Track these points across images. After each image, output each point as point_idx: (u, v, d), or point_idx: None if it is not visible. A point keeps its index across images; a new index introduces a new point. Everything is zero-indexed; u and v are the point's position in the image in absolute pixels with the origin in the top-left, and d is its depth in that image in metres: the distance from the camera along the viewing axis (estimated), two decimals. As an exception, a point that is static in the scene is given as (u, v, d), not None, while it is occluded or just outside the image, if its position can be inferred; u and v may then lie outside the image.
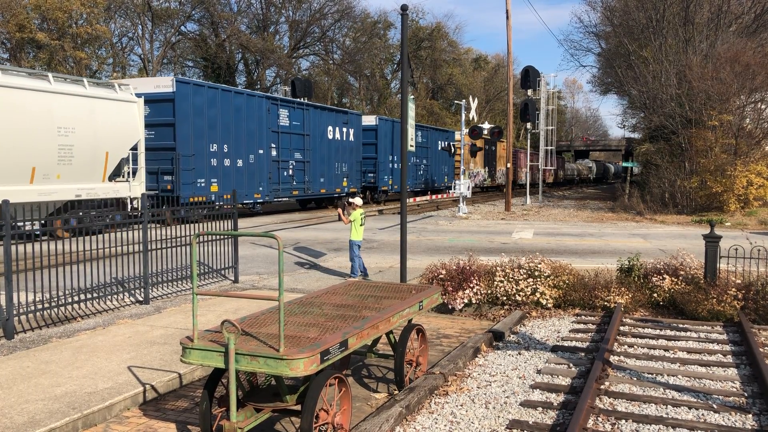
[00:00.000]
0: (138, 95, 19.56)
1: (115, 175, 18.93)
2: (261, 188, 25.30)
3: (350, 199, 12.31)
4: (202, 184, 22.21)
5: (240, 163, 24.22)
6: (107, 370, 6.43)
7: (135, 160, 19.35)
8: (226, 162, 23.50)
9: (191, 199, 21.12)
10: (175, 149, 21.23)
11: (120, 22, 46.22)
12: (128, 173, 19.13)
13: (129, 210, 18.31)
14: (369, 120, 35.79)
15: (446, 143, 42.72)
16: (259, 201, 25.52)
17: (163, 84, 21.66)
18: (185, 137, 21.60)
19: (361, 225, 11.89)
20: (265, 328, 5.19)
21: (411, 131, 12.39)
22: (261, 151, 25.43)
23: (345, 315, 5.71)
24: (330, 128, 30.59)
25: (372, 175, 35.27)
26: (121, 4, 43.25)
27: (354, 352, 6.41)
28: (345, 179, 32.03)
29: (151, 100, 21.03)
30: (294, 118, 27.80)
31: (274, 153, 26.33)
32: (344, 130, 31.98)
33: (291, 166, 27.52)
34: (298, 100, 29.93)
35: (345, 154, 32.07)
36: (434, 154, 42.57)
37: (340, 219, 12.40)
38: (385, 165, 36.21)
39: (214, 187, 22.72)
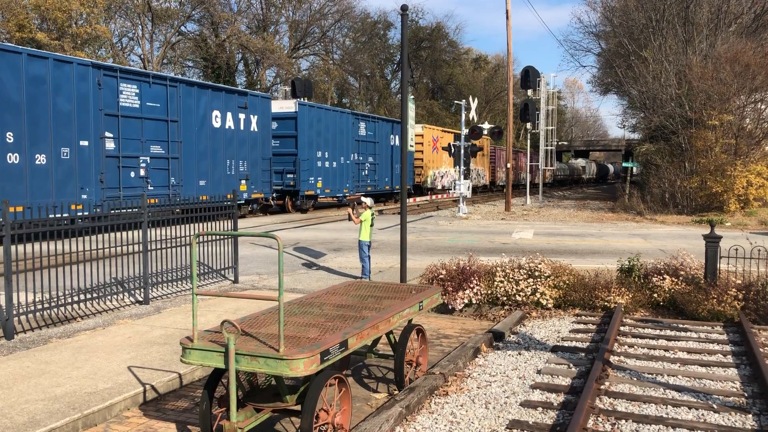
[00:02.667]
0: None
1: None
2: (85, 195, 17.98)
3: (361, 199, 12.25)
4: None
5: (42, 159, 16.83)
6: (107, 370, 6.42)
7: None
8: (12, 158, 16.08)
9: None
10: None
11: (120, 22, 46.23)
12: None
13: None
14: (285, 105, 28.52)
15: (395, 137, 37.24)
16: (82, 214, 15.00)
17: None
18: None
19: (371, 225, 11.83)
20: (265, 328, 5.18)
21: (411, 131, 12.37)
22: (84, 143, 18.07)
23: (345, 315, 5.71)
24: (217, 113, 23.04)
25: (291, 176, 28.03)
26: (121, 4, 43.24)
27: (354, 352, 6.40)
28: (243, 181, 24.43)
29: None
30: (150, 98, 20.25)
31: (110, 146, 18.83)
32: (242, 116, 24.36)
33: (143, 165, 19.94)
34: (158, 72, 23.15)
35: (244, 148, 24.55)
36: (386, 152, 35.78)
37: (350, 219, 12.26)
38: (311, 163, 28.71)
39: None
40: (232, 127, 23.93)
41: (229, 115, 23.76)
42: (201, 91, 22.53)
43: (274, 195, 27.39)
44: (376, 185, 34.74)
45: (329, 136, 30.14)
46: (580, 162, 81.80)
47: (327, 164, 30.05)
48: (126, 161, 19.46)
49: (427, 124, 42.73)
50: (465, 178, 27.04)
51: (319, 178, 29.41)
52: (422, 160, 39.95)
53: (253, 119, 25.18)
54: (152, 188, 20.18)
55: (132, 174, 19.73)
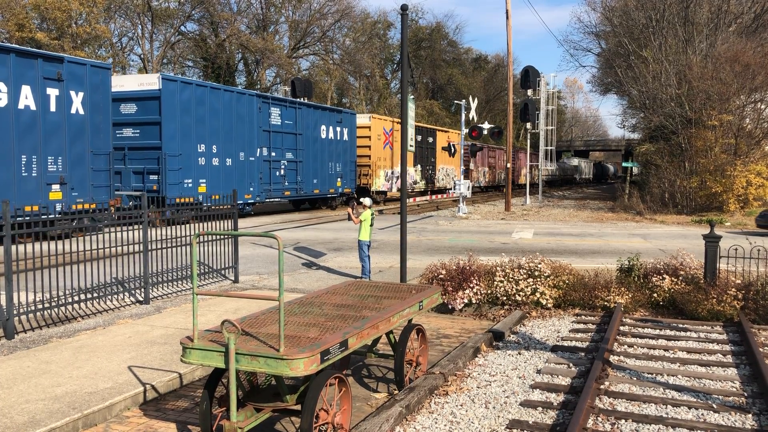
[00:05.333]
0: None
1: None
2: None
3: (360, 199, 12.24)
4: None
5: None
6: (107, 370, 6.43)
7: None
8: None
9: None
10: None
11: (120, 21, 46.26)
12: None
13: None
14: (145, 81, 21.20)
15: (338, 130, 30.83)
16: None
17: None
18: None
19: (371, 225, 11.84)
20: (265, 328, 5.19)
21: (411, 131, 12.39)
22: None
23: (345, 315, 5.71)
24: (1, 86, 15.43)
25: (155, 177, 20.88)
26: (121, 4, 43.26)
27: (354, 352, 6.41)
28: (56, 186, 16.86)
29: None
30: None
31: None
32: (53, 92, 16.77)
33: None
34: None
35: (56, 138, 16.85)
36: (313, 145, 28.58)
37: (350, 219, 12.28)
38: (188, 159, 21.56)
39: None
40: (33, 108, 16.25)
41: (26, 90, 16.07)
42: None
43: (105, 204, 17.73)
44: (298, 188, 27.51)
45: (219, 124, 22.95)
46: (573, 161, 77.41)
47: (216, 161, 22.79)
48: None
49: (376, 114, 34.76)
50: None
51: (201, 181, 22.12)
52: (369, 157, 32.99)
53: (76, 97, 17.43)
54: None
55: None
